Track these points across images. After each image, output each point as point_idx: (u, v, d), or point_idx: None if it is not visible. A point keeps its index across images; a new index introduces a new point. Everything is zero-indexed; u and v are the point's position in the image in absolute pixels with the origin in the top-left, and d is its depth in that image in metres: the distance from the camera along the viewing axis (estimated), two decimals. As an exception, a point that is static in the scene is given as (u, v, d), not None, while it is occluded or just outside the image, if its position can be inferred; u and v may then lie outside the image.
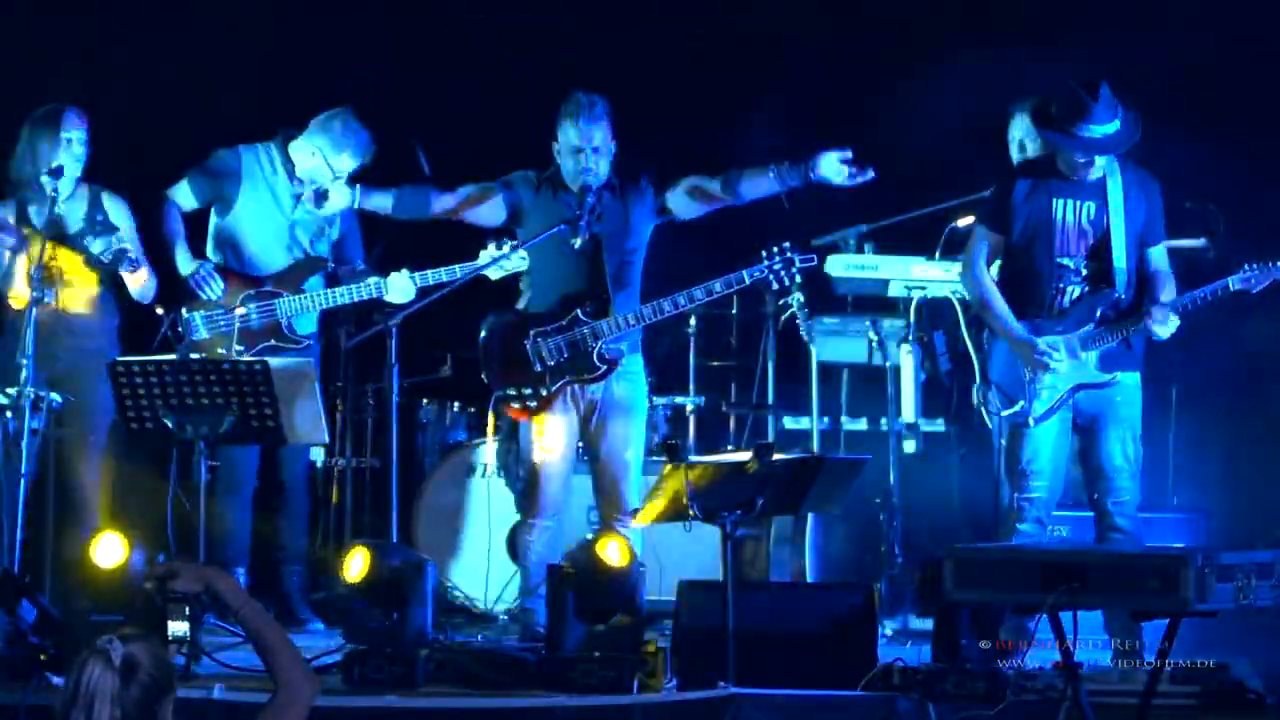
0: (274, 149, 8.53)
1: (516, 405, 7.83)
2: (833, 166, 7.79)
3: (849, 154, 7.80)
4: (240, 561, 8.49)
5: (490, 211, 8.02)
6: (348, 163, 8.41)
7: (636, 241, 7.94)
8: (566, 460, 7.90)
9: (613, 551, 7.21)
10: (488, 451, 8.96)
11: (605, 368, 7.82)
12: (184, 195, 8.50)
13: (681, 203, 7.96)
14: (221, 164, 8.52)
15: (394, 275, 8.33)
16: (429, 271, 8.27)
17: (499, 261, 8.19)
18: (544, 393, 7.82)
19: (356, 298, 8.39)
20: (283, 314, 8.41)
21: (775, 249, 7.81)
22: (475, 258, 8.26)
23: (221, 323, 8.39)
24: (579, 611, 7.16)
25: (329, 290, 8.45)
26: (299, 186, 8.44)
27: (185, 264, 8.39)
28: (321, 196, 8.21)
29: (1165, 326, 7.59)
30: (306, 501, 8.74)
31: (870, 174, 7.80)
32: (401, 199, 8.09)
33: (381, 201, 8.12)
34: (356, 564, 7.36)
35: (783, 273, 7.83)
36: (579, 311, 7.82)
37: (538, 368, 7.83)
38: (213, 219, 8.56)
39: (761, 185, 7.87)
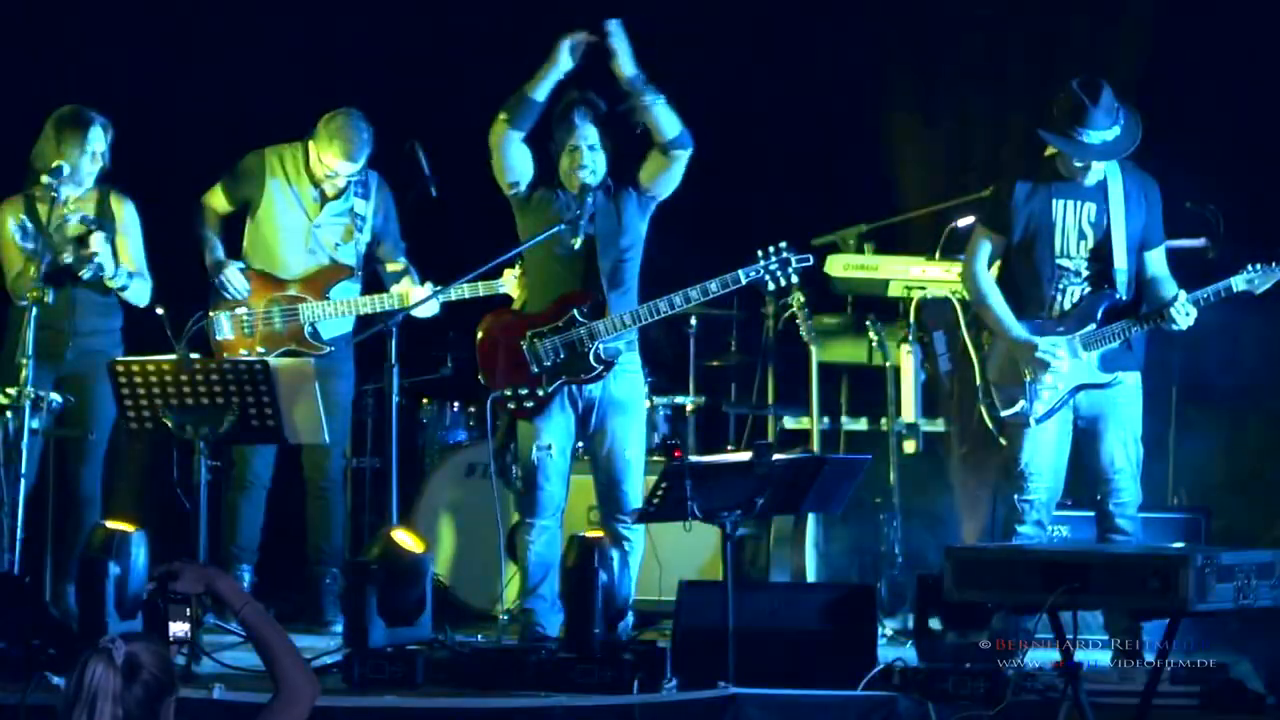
0: (300, 151, 8.53)
1: (513, 406, 7.82)
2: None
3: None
4: (248, 561, 8.50)
5: (520, 157, 7.91)
6: (342, 162, 8.40)
7: (632, 240, 7.90)
8: (565, 460, 7.88)
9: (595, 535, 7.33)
10: (487, 451, 8.95)
11: (602, 368, 7.81)
12: (217, 199, 8.59)
13: (647, 173, 7.90)
14: (246, 167, 8.56)
15: (416, 289, 8.34)
16: (450, 288, 8.25)
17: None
18: (541, 394, 7.80)
19: (380, 309, 8.39)
20: (306, 319, 8.42)
21: (772, 249, 7.80)
22: (497, 274, 8.24)
23: (245, 324, 8.42)
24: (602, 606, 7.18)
25: (353, 299, 8.46)
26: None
27: (213, 265, 8.45)
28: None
29: (1187, 318, 7.58)
30: (342, 503, 8.73)
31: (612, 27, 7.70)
32: None
33: None
34: (409, 538, 7.43)
35: (779, 273, 7.82)
36: (575, 312, 7.81)
37: (534, 369, 7.81)
38: (247, 222, 8.61)
39: (655, 114, 7.79)
